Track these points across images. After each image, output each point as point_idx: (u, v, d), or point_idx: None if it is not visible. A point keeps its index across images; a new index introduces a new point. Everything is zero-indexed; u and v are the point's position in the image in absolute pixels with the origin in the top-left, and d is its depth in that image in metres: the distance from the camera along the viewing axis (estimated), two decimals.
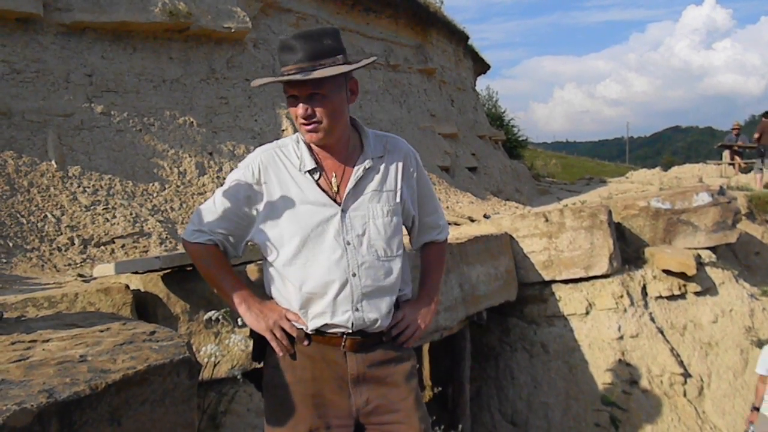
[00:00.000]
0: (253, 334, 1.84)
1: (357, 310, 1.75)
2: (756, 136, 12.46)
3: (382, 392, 1.80)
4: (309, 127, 1.72)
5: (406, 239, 1.93)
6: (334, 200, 1.77)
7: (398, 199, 1.84)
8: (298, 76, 1.65)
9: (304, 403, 1.76)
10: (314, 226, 1.74)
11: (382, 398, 1.79)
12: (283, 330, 1.77)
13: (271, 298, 1.85)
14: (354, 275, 1.75)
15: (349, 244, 1.75)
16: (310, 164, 1.78)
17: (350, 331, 1.76)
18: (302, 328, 1.78)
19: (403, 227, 1.96)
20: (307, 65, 1.67)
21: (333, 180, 1.79)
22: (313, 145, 1.80)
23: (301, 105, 1.70)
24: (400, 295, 1.88)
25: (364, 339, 1.78)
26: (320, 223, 1.75)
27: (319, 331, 1.77)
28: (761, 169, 12.10)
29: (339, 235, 1.75)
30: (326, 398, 1.76)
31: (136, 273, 2.90)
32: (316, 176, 1.78)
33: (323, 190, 1.77)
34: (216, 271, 1.83)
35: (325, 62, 1.68)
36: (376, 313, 1.78)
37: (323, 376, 1.77)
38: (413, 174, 1.90)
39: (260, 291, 1.91)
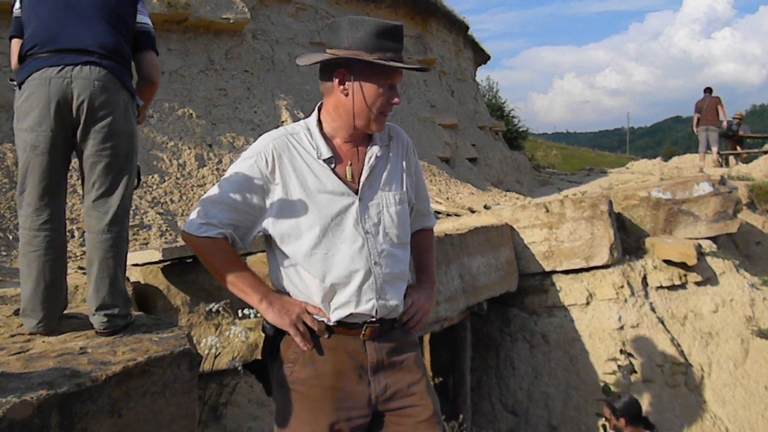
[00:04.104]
0: (266, 331, 1.81)
1: (380, 297, 1.74)
2: (697, 117, 12.40)
3: (398, 377, 1.80)
4: (386, 118, 1.77)
5: None
6: (352, 189, 1.75)
7: (404, 188, 1.84)
8: (413, 66, 1.78)
9: (325, 397, 1.73)
10: (333, 216, 1.72)
11: (399, 383, 1.79)
12: (305, 324, 1.74)
13: (282, 291, 1.81)
14: (376, 264, 1.74)
15: (368, 233, 1.74)
16: (327, 153, 1.75)
17: (373, 319, 1.75)
18: (323, 321, 1.75)
19: None
20: (403, 57, 1.74)
21: (348, 169, 1.77)
22: (326, 133, 1.79)
23: (398, 93, 1.77)
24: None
25: (381, 326, 1.78)
26: (339, 212, 1.73)
27: (341, 322, 1.75)
28: (708, 149, 12.28)
29: (358, 224, 1.73)
30: (346, 390, 1.75)
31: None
32: (333, 165, 1.76)
33: (340, 179, 1.75)
34: (230, 266, 1.76)
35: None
36: (396, 299, 1.78)
37: (344, 368, 1.75)
38: (413, 164, 1.91)
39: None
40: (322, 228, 1.71)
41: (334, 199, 1.73)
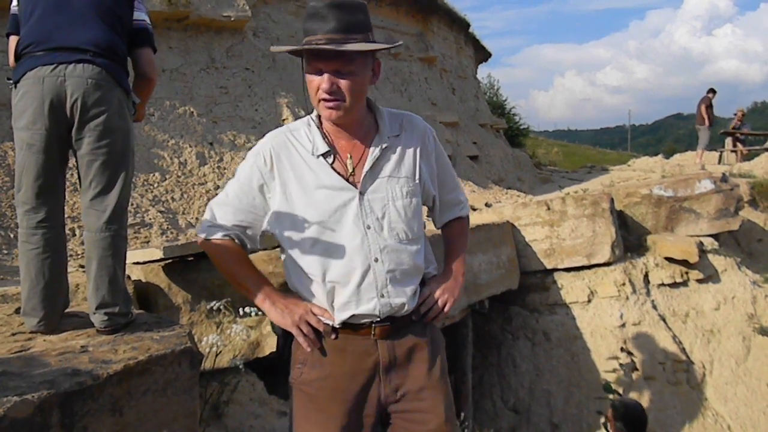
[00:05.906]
0: (278, 331, 1.79)
1: (383, 296, 1.68)
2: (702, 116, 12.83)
3: (411, 379, 1.74)
4: (330, 104, 1.61)
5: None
6: (351, 183, 1.68)
7: (417, 180, 1.75)
8: (330, 47, 1.54)
9: (335, 399, 1.70)
10: (332, 212, 1.66)
11: (410, 385, 1.74)
12: (309, 325, 1.71)
13: (294, 290, 1.78)
14: (376, 260, 1.66)
15: (369, 228, 1.67)
16: (323, 147, 1.69)
17: (378, 318, 1.69)
18: (329, 323, 1.71)
19: (424, 207, 1.88)
20: (338, 37, 1.56)
21: (348, 162, 1.70)
22: (326, 127, 1.73)
23: (327, 77, 1.58)
24: (425, 273, 1.81)
25: (392, 324, 1.71)
26: (338, 208, 1.66)
27: (347, 324, 1.70)
28: (705, 146, 12.75)
29: (358, 219, 1.66)
30: (356, 391, 1.71)
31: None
32: (330, 159, 1.69)
33: (339, 174, 1.68)
34: (236, 267, 1.76)
35: (357, 37, 1.58)
36: (403, 297, 1.70)
37: (353, 369, 1.71)
38: (432, 152, 1.82)
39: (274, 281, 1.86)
40: (320, 225, 1.66)
41: (333, 194, 1.67)
